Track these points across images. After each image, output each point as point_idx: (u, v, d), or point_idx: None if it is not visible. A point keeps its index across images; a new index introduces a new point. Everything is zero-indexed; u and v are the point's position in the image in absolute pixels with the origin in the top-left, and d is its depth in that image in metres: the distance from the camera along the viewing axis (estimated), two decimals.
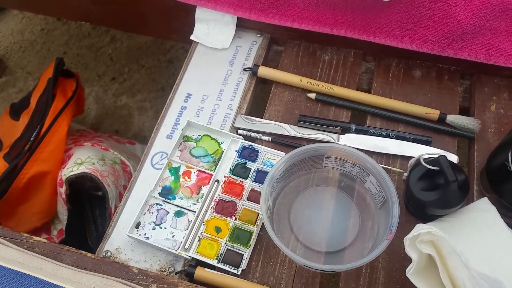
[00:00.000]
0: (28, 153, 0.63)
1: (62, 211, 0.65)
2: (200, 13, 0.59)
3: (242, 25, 0.59)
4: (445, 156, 0.40)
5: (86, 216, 0.68)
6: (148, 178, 0.49)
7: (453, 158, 0.48)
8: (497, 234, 0.41)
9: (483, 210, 0.43)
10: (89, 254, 0.40)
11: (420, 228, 0.36)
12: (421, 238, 0.36)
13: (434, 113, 0.50)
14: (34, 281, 0.33)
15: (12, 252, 0.35)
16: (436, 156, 0.40)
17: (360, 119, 0.53)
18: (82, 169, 0.60)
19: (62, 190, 0.62)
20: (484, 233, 0.41)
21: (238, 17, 0.58)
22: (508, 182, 0.42)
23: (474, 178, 0.48)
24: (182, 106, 0.55)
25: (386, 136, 0.50)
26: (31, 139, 0.64)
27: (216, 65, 0.58)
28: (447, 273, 0.36)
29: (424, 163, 0.41)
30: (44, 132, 0.64)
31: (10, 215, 0.65)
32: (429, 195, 0.41)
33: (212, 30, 0.59)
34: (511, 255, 0.39)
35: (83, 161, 0.62)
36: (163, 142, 0.52)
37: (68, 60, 1.09)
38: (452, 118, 0.50)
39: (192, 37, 0.59)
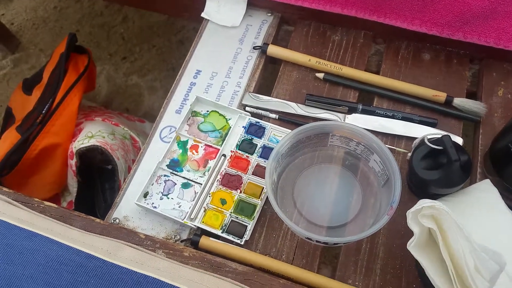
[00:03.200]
0: (40, 126, 0.65)
1: (72, 183, 0.66)
2: None
3: (253, 4, 0.59)
4: (449, 136, 0.40)
5: (95, 189, 0.70)
6: (156, 151, 0.50)
7: (458, 140, 0.48)
8: (497, 215, 0.42)
9: (485, 191, 0.43)
10: (97, 220, 0.42)
11: (423, 202, 0.37)
12: (424, 212, 0.37)
13: (441, 96, 0.50)
14: (45, 240, 0.34)
15: (24, 213, 0.37)
16: (440, 136, 0.41)
17: (367, 100, 0.53)
18: (92, 142, 0.62)
19: (73, 162, 0.64)
20: (485, 213, 0.42)
21: None
22: (510, 164, 0.42)
23: (478, 161, 0.48)
24: (192, 82, 0.56)
25: (392, 117, 0.50)
26: (43, 112, 0.66)
27: (226, 43, 0.58)
28: (446, 248, 0.37)
29: (428, 142, 0.42)
30: (56, 106, 0.65)
31: (21, 185, 0.67)
32: (432, 174, 0.42)
33: (223, 8, 0.60)
34: (505, 233, 0.40)
35: (94, 134, 0.64)
36: (172, 117, 0.53)
37: (80, 38, 1.10)
38: (458, 101, 0.50)
39: (203, 15, 0.60)
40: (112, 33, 1.11)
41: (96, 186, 0.70)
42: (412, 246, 0.38)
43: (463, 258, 0.34)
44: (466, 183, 0.45)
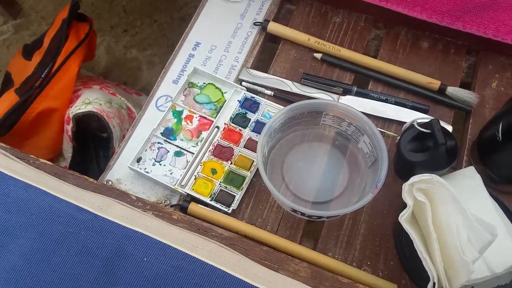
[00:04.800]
0: (39, 89, 0.65)
1: (67, 148, 0.67)
2: None
3: None
4: (437, 120, 0.41)
5: (89, 156, 0.71)
6: (151, 118, 0.51)
7: (448, 127, 0.49)
8: (478, 200, 0.43)
9: (469, 177, 0.44)
10: (91, 179, 0.43)
11: (422, 175, 0.38)
12: (419, 185, 0.38)
13: (435, 83, 0.51)
14: (39, 192, 0.35)
15: (20, 166, 0.38)
16: (429, 120, 0.42)
17: (362, 83, 0.54)
18: (89, 108, 0.62)
19: (69, 127, 0.64)
20: (467, 198, 0.43)
21: None
22: (495, 152, 0.44)
23: (465, 149, 0.49)
24: (190, 53, 0.56)
25: (386, 101, 0.51)
26: (42, 76, 0.66)
27: (227, 17, 0.59)
28: (435, 222, 0.38)
29: (417, 125, 0.43)
30: (55, 70, 0.66)
31: (18, 147, 0.66)
32: (418, 156, 0.43)
33: None
34: (488, 218, 0.41)
35: (91, 101, 0.64)
36: (168, 86, 0.54)
37: (83, 9, 1.10)
38: (451, 90, 0.51)
39: None
40: (114, 5, 1.10)
41: (90, 153, 0.71)
42: (403, 219, 0.39)
43: (455, 230, 0.35)
44: (451, 169, 0.46)
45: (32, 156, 0.44)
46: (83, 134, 0.68)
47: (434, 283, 0.35)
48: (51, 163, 0.43)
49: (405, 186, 0.37)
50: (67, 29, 0.71)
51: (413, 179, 0.36)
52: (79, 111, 0.62)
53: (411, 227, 0.37)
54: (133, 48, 1.04)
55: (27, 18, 1.12)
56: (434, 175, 0.36)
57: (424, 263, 0.36)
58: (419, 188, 0.37)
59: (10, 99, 0.66)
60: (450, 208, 0.35)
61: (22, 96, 0.65)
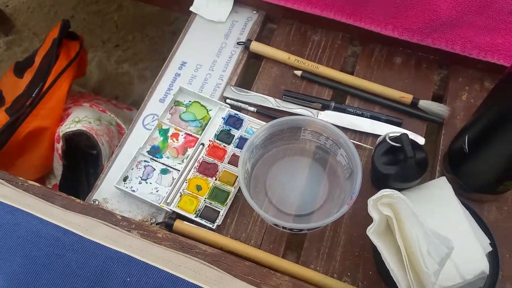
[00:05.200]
0: (29, 108, 0.67)
1: (58, 166, 0.69)
2: None
3: (239, 1, 0.62)
4: (406, 134, 0.44)
5: (80, 173, 0.73)
6: (138, 137, 0.53)
7: (420, 140, 0.51)
8: (449, 209, 0.45)
9: (440, 187, 0.47)
10: (78, 200, 0.45)
11: (384, 191, 0.40)
12: (383, 200, 0.40)
13: (408, 97, 0.53)
14: (26, 215, 0.37)
15: (8, 190, 0.39)
16: (399, 134, 0.44)
17: (340, 98, 0.56)
18: (79, 126, 0.64)
19: (59, 145, 0.66)
20: (439, 207, 0.45)
21: None
22: (464, 163, 0.46)
23: (438, 160, 0.52)
24: (177, 73, 0.59)
25: (362, 115, 0.53)
26: (33, 95, 0.68)
27: (212, 37, 0.61)
28: (401, 235, 0.40)
29: (388, 140, 0.45)
30: (46, 90, 0.68)
31: (8, 166, 0.69)
32: (390, 169, 0.45)
33: (211, 3, 0.63)
34: (459, 227, 0.44)
35: (81, 119, 0.66)
36: (155, 105, 0.56)
37: (75, 24, 1.12)
38: (423, 103, 0.53)
39: (191, 8, 0.63)
40: (106, 20, 1.13)
41: (80, 170, 0.73)
42: (371, 232, 0.41)
43: (417, 243, 0.37)
44: (426, 179, 0.48)
45: (20, 178, 0.45)
46: (73, 151, 0.70)
47: None
48: (39, 185, 0.45)
49: (370, 201, 0.39)
50: (57, 48, 0.73)
51: (377, 195, 0.39)
52: (69, 129, 0.64)
53: (379, 240, 0.39)
54: (124, 63, 1.06)
55: (19, 34, 1.14)
56: (394, 191, 0.38)
57: (391, 273, 0.38)
58: (384, 203, 0.39)
59: (0, 118, 0.68)
60: (411, 222, 0.37)
61: (12, 116, 0.67)
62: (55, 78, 0.68)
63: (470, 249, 0.43)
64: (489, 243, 0.45)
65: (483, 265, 0.42)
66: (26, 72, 0.78)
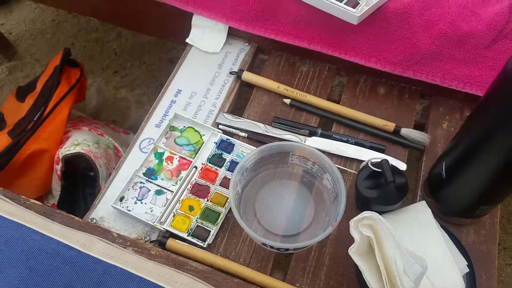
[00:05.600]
0: (31, 132, 0.70)
1: (56, 186, 0.71)
2: (196, 20, 0.66)
3: (232, 34, 0.66)
4: (387, 160, 0.47)
5: (77, 193, 0.75)
6: (135, 160, 0.56)
7: (402, 166, 0.54)
8: (429, 232, 0.48)
9: (420, 211, 0.49)
10: (76, 218, 0.47)
11: (365, 213, 0.42)
12: (364, 221, 0.42)
13: (390, 125, 0.57)
14: (28, 231, 0.39)
15: (12, 207, 0.42)
16: (380, 160, 0.47)
17: (327, 125, 0.59)
18: (78, 149, 0.67)
19: (58, 167, 0.69)
20: (418, 230, 0.48)
21: (229, 27, 0.65)
22: (442, 188, 0.49)
23: (419, 185, 0.55)
24: (172, 100, 0.62)
25: (347, 141, 0.57)
26: (34, 119, 0.71)
27: (206, 66, 0.65)
28: (381, 255, 0.42)
29: (370, 165, 0.48)
30: (47, 114, 0.71)
31: (9, 185, 0.71)
32: (372, 192, 0.48)
33: (206, 36, 0.67)
34: (438, 249, 0.46)
35: (80, 142, 0.69)
36: (152, 130, 0.59)
37: (75, 51, 1.17)
38: (405, 131, 0.57)
39: (187, 40, 0.67)
40: (106, 48, 1.17)
41: (78, 190, 0.75)
42: (352, 251, 0.43)
43: (394, 262, 0.40)
44: (408, 203, 0.51)
45: (23, 196, 0.48)
46: (72, 173, 0.72)
47: None
48: (40, 203, 0.47)
49: (352, 222, 0.42)
50: (59, 74, 0.77)
51: (358, 216, 0.41)
52: (68, 152, 0.67)
53: (359, 259, 0.42)
54: (122, 89, 1.10)
55: (21, 60, 1.18)
56: (374, 213, 0.41)
57: None
58: (365, 224, 0.41)
59: (2, 141, 0.70)
60: (390, 242, 0.39)
61: (14, 138, 0.69)
62: (57, 103, 0.72)
63: (447, 270, 0.45)
64: (467, 265, 0.47)
65: (460, 285, 0.44)
66: (28, 96, 0.81)
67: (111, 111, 1.07)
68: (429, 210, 0.49)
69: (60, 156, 0.67)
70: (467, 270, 0.47)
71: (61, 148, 0.69)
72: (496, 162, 0.41)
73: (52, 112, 0.71)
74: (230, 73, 0.64)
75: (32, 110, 0.75)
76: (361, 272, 0.47)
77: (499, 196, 0.46)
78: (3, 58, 1.17)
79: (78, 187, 0.74)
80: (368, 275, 0.42)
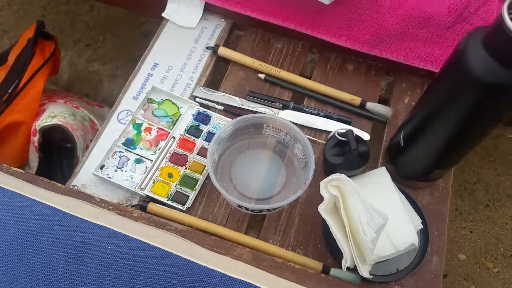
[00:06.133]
0: (5, 104, 0.70)
1: (34, 158, 0.72)
2: None
3: (209, 9, 0.68)
4: (351, 130, 0.51)
5: (54, 165, 0.76)
6: (113, 130, 0.58)
7: (366, 136, 0.59)
8: (387, 193, 0.53)
9: (380, 175, 0.54)
10: (59, 184, 0.49)
11: (334, 175, 0.47)
12: (333, 182, 0.47)
13: (356, 100, 0.61)
14: (15, 195, 0.41)
15: None
16: (346, 130, 0.51)
17: (299, 99, 0.63)
18: (55, 121, 0.68)
19: (35, 139, 0.69)
20: (378, 191, 0.53)
21: (205, 2, 0.67)
22: (400, 155, 0.54)
23: (381, 153, 0.59)
24: (149, 73, 0.64)
25: (317, 114, 0.60)
26: (9, 91, 0.71)
27: (183, 41, 0.66)
28: (346, 212, 0.47)
29: (337, 135, 0.52)
30: (22, 86, 0.71)
31: None
32: (338, 159, 0.52)
33: (182, 10, 0.68)
34: (395, 208, 0.51)
35: (56, 114, 0.70)
36: (129, 102, 0.61)
37: (46, 25, 1.14)
38: (370, 105, 0.61)
39: (163, 15, 0.68)
40: (77, 21, 1.15)
41: (54, 162, 0.76)
42: (322, 209, 0.47)
43: (358, 215, 0.44)
44: (368, 168, 0.55)
45: (5, 165, 0.49)
46: (48, 144, 0.73)
47: (346, 259, 0.44)
48: (23, 171, 0.49)
49: (322, 183, 0.46)
50: (32, 47, 0.76)
51: (328, 178, 0.46)
52: (46, 124, 0.68)
53: (328, 216, 0.46)
54: (95, 62, 1.09)
55: None
56: (342, 174, 0.45)
57: (338, 243, 0.45)
58: (333, 185, 0.46)
59: None
60: (354, 199, 0.44)
61: None
62: (31, 76, 0.72)
63: (403, 226, 0.51)
64: (421, 222, 0.53)
65: (413, 239, 0.49)
66: None
67: (83, 84, 1.06)
68: (388, 175, 0.54)
69: (37, 128, 0.68)
70: (421, 226, 0.53)
71: (37, 120, 0.70)
72: (446, 130, 0.46)
73: (28, 85, 0.71)
74: (207, 48, 0.66)
75: (5, 83, 0.74)
76: (327, 228, 0.52)
77: (450, 161, 0.52)
78: None
79: (55, 158, 0.75)
80: (335, 229, 0.47)
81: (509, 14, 0.36)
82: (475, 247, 0.97)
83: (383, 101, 0.64)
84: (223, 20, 0.68)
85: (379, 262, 0.49)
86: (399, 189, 0.54)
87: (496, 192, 1.02)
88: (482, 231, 0.99)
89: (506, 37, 0.36)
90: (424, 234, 0.53)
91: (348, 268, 0.47)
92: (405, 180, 0.56)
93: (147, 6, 0.75)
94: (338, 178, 0.45)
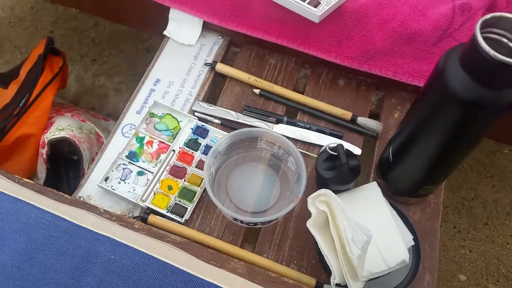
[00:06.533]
0: (17, 117, 0.74)
1: (42, 170, 0.76)
2: (173, 14, 0.71)
3: (207, 27, 0.71)
4: (342, 145, 0.54)
5: (60, 177, 0.79)
6: (118, 143, 0.61)
7: (357, 150, 0.62)
8: (378, 208, 0.54)
9: (371, 190, 0.56)
10: (66, 195, 0.52)
11: (320, 191, 0.49)
12: (320, 198, 0.49)
13: (348, 114, 0.64)
14: (26, 205, 0.44)
15: (9, 184, 0.47)
16: (336, 144, 0.54)
17: (292, 114, 0.66)
18: (63, 134, 0.72)
19: (44, 151, 0.73)
20: (369, 206, 0.54)
21: (204, 21, 0.70)
22: (389, 170, 0.56)
23: (372, 167, 0.62)
24: (152, 88, 0.67)
25: (309, 128, 0.63)
26: (20, 105, 0.75)
27: (183, 58, 0.70)
28: (334, 226, 0.49)
29: (328, 149, 0.55)
30: (33, 100, 0.75)
31: None
32: (329, 173, 0.55)
33: (182, 29, 0.72)
34: (386, 224, 0.52)
35: (64, 127, 0.74)
36: (133, 116, 0.64)
37: (54, 39, 1.18)
38: (361, 119, 0.64)
39: (165, 32, 0.71)
40: (84, 36, 1.20)
41: (61, 174, 0.80)
42: (310, 224, 0.50)
43: (344, 232, 0.46)
44: (362, 183, 0.58)
45: (16, 176, 0.53)
46: (55, 156, 0.76)
47: (335, 276, 0.46)
48: (33, 182, 0.52)
49: (309, 199, 0.48)
50: (42, 62, 0.80)
51: (314, 193, 0.48)
52: (54, 136, 0.71)
53: (316, 231, 0.48)
54: (101, 76, 1.14)
55: (1, 47, 1.19)
56: (328, 190, 0.47)
57: (326, 259, 0.47)
58: (320, 200, 0.48)
59: None
60: (341, 215, 0.46)
61: (1, 124, 0.73)
62: (42, 90, 0.76)
63: (394, 242, 0.51)
64: (412, 238, 0.53)
65: (404, 255, 0.50)
66: (11, 83, 0.84)
67: (90, 98, 1.10)
68: (379, 189, 0.56)
69: (46, 141, 0.72)
70: (413, 243, 0.53)
71: (46, 133, 0.73)
72: (431, 146, 0.47)
73: (38, 99, 0.75)
74: (205, 64, 0.69)
75: (17, 96, 0.78)
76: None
77: (438, 176, 0.53)
78: None
79: (61, 170, 0.79)
80: (323, 245, 0.49)
81: (481, 33, 0.37)
82: (475, 267, 0.95)
83: (374, 115, 0.67)
84: (220, 37, 0.72)
85: (372, 279, 0.50)
86: (391, 204, 0.55)
87: (495, 209, 1.01)
88: (482, 250, 0.97)
89: (480, 56, 0.37)
90: (416, 251, 0.54)
91: (339, 285, 0.48)
92: (396, 196, 0.58)
93: (149, 24, 0.79)
94: (325, 193, 0.47)
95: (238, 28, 0.68)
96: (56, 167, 0.77)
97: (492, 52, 0.36)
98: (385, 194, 0.56)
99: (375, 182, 0.57)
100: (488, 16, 0.39)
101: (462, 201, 1.02)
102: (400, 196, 0.58)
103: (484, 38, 0.37)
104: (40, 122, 0.75)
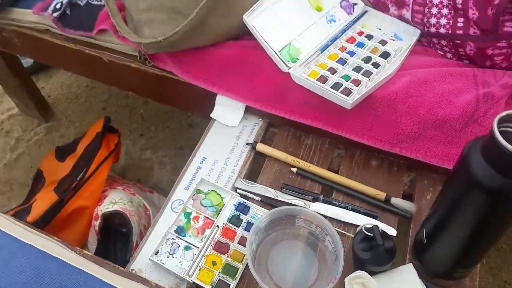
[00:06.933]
0: (74, 190, 0.82)
1: (93, 241, 0.81)
2: (220, 99, 0.79)
3: (248, 111, 0.79)
4: (377, 226, 0.57)
5: (109, 248, 0.85)
6: (167, 218, 0.67)
7: (392, 231, 0.64)
8: None
9: (407, 272, 0.57)
10: (121, 268, 0.57)
11: (357, 272, 0.52)
12: (356, 280, 0.52)
13: (381, 195, 0.67)
14: (90, 277, 0.49)
15: (74, 255, 0.52)
16: (372, 225, 0.57)
17: (328, 192, 0.70)
18: (116, 207, 0.78)
19: (97, 223, 0.79)
20: None
21: (246, 105, 0.78)
22: (424, 252, 0.57)
23: (408, 249, 0.64)
24: (198, 166, 0.73)
25: (345, 207, 0.67)
26: (77, 179, 0.83)
27: (227, 138, 0.77)
28: None
29: (364, 230, 0.58)
30: (90, 175, 0.82)
31: None
32: (366, 254, 0.57)
33: (227, 112, 0.79)
34: None
35: (117, 201, 0.80)
36: (181, 192, 0.70)
37: (106, 114, 1.31)
38: (394, 200, 0.67)
39: (211, 115, 0.79)
40: (134, 113, 1.31)
41: (110, 245, 0.85)
42: None
43: None
44: (399, 264, 0.59)
45: (78, 248, 0.58)
46: (107, 229, 0.82)
47: None
48: (91, 254, 0.58)
49: (346, 280, 0.51)
50: (100, 140, 0.89)
51: (351, 275, 0.51)
52: (107, 210, 0.78)
53: None
54: (147, 150, 1.23)
55: (58, 121, 1.32)
56: (364, 272, 0.50)
57: None
58: (357, 282, 0.51)
59: (49, 197, 0.82)
60: None
61: (60, 196, 0.81)
62: (98, 165, 0.84)
63: None
64: None
65: None
66: (68, 157, 0.94)
67: (136, 170, 1.18)
68: (415, 272, 0.57)
69: (100, 213, 0.78)
70: None
71: (99, 205, 0.80)
72: (461, 230, 0.49)
73: (94, 174, 0.83)
74: (247, 144, 0.76)
75: (75, 170, 0.86)
76: None
77: (471, 260, 0.54)
78: (42, 119, 1.31)
79: (111, 242, 0.84)
80: None
81: (499, 128, 0.40)
82: None
83: (407, 196, 0.69)
84: (260, 119, 0.79)
85: None
86: (427, 287, 0.56)
87: None
88: None
89: (498, 150, 0.40)
90: None
91: None
92: (432, 278, 0.58)
93: (196, 108, 0.87)
94: (361, 275, 0.50)
95: (276, 112, 0.75)
96: (106, 239, 0.83)
97: (509, 146, 0.40)
98: (421, 276, 0.57)
99: (410, 264, 0.58)
100: (504, 113, 0.42)
101: (504, 285, 0.99)
102: (435, 278, 0.59)
103: (502, 132, 0.40)
104: (95, 195, 0.82)
